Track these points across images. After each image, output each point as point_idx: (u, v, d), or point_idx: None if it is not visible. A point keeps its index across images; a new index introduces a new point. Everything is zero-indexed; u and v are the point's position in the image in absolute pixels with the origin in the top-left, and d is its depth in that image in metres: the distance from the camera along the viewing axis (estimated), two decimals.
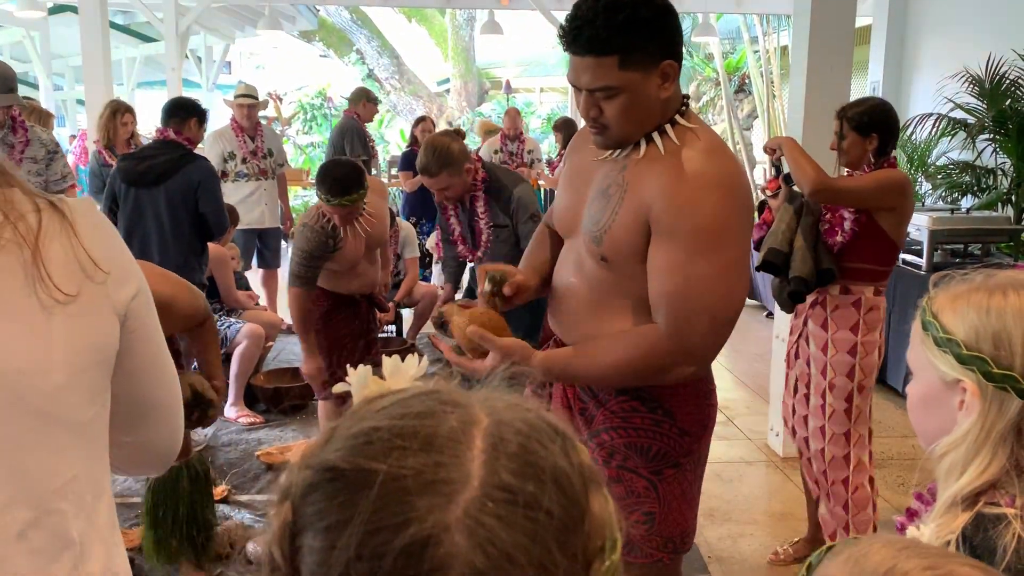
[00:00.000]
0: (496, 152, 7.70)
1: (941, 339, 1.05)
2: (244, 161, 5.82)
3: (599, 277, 1.73)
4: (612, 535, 0.55)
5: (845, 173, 3.11)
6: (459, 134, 3.26)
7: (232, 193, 5.68)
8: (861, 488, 2.93)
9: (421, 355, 0.73)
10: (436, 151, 3.13)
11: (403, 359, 0.72)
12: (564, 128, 7.83)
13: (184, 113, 4.15)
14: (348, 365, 0.77)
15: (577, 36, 1.58)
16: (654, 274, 1.62)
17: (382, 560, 0.49)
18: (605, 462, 1.77)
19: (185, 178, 3.97)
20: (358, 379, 0.67)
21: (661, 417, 1.74)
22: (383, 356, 0.72)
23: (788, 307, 3.12)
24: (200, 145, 5.76)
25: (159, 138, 4.17)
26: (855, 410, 2.91)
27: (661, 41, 1.60)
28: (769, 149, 3.11)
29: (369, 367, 0.67)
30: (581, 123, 2.13)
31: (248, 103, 5.78)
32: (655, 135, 1.66)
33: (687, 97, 1.71)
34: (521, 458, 0.53)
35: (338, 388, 0.67)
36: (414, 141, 7.31)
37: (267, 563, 0.55)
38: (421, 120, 7.65)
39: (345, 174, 3.18)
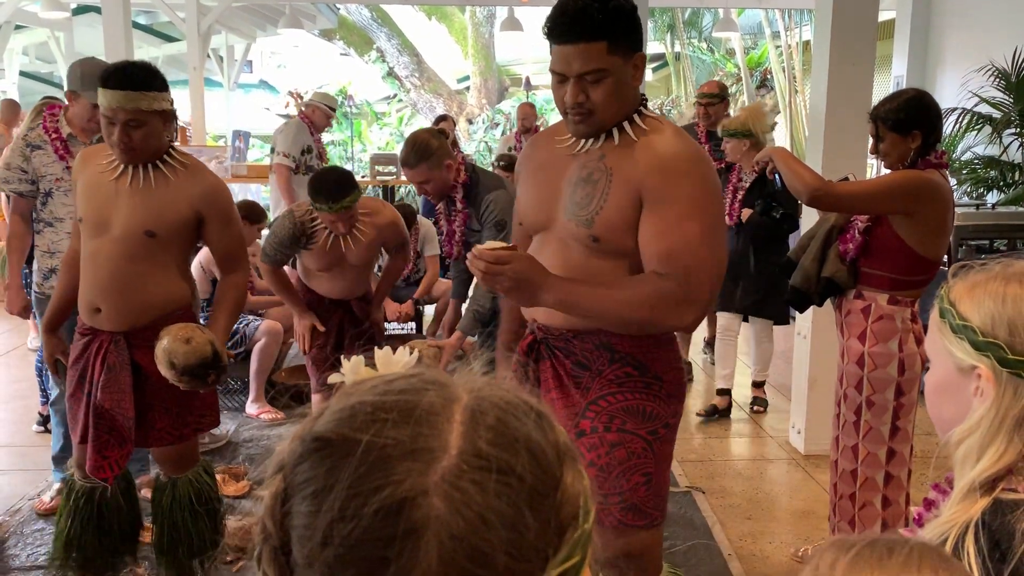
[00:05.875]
0: (511, 149, 7.66)
1: (957, 326, 1.07)
2: (319, 156, 5.94)
3: (588, 257, 1.89)
4: (586, 506, 0.58)
5: None
6: (442, 133, 3.34)
7: (303, 186, 5.70)
8: (869, 506, 2.77)
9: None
10: (415, 144, 3.22)
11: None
12: None
13: None
14: (343, 357, 0.79)
15: (570, 26, 1.76)
16: (652, 238, 1.81)
17: (360, 520, 0.52)
18: (606, 427, 1.91)
19: None
20: (351, 368, 0.71)
21: (651, 380, 1.92)
22: (375, 348, 0.75)
23: (800, 309, 3.09)
24: (283, 126, 5.89)
25: None
26: (864, 425, 2.74)
27: (637, 33, 1.82)
28: (761, 163, 2.92)
29: (362, 357, 0.72)
30: None
31: (331, 114, 6.07)
32: (626, 124, 1.85)
33: (644, 96, 1.94)
34: (497, 429, 0.56)
35: (333, 378, 0.70)
36: None
37: (260, 531, 0.59)
38: (443, 119, 7.62)
39: (339, 177, 3.21)
